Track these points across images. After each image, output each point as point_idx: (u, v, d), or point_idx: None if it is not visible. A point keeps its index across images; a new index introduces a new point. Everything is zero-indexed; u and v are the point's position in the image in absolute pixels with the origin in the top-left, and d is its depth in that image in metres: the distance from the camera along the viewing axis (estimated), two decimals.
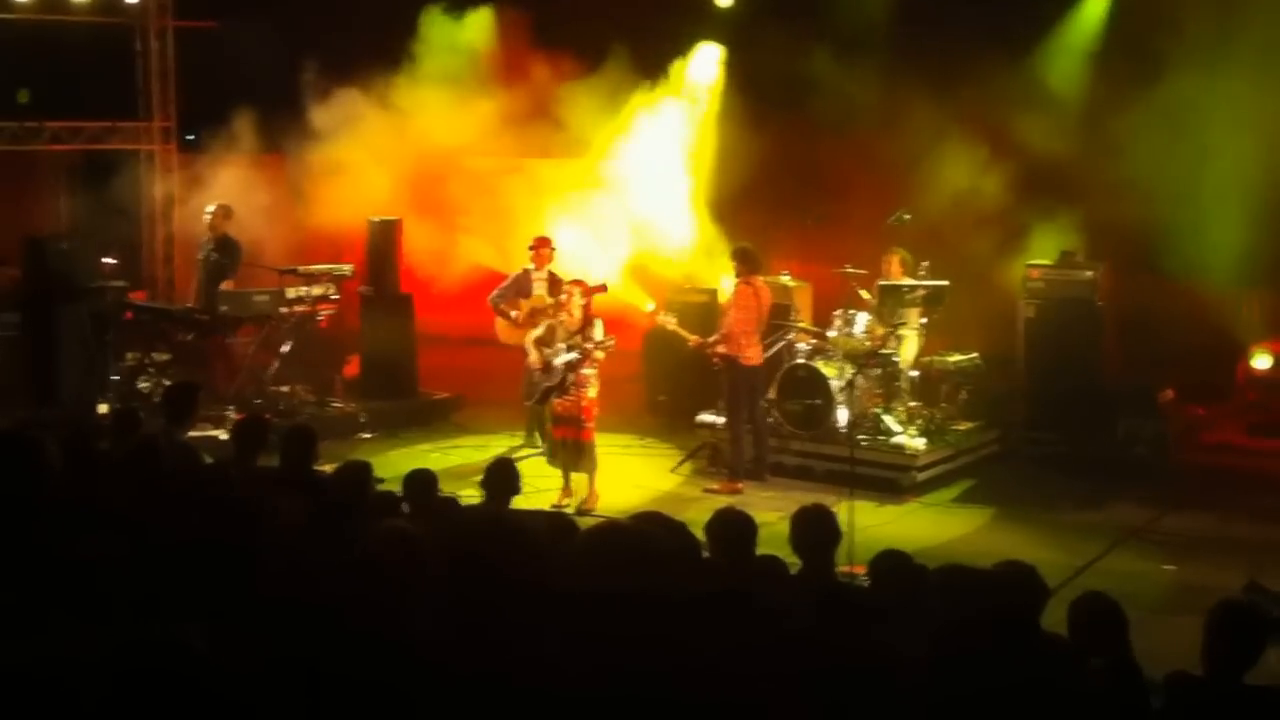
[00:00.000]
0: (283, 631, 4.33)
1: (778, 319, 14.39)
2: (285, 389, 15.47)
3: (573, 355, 12.73)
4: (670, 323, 14.14)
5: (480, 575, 4.34)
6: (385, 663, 4.09)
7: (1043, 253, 15.23)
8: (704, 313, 15.36)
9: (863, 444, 13.59)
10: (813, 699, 4.45)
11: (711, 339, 13.90)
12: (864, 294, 14.65)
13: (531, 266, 14.99)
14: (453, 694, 4.02)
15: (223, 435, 12.86)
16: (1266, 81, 14.32)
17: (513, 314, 14.81)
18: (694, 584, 4.84)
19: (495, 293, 15.07)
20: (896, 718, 4.84)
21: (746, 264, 13.77)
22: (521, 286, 14.89)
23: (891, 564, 6.61)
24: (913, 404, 14.41)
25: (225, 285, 15.51)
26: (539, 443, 14.54)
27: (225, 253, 15.81)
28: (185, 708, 3.50)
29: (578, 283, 13.10)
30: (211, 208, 15.89)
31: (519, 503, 8.96)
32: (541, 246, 14.93)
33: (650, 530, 4.58)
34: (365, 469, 8.20)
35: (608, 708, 3.64)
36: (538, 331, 13.11)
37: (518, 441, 14.52)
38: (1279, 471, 14.30)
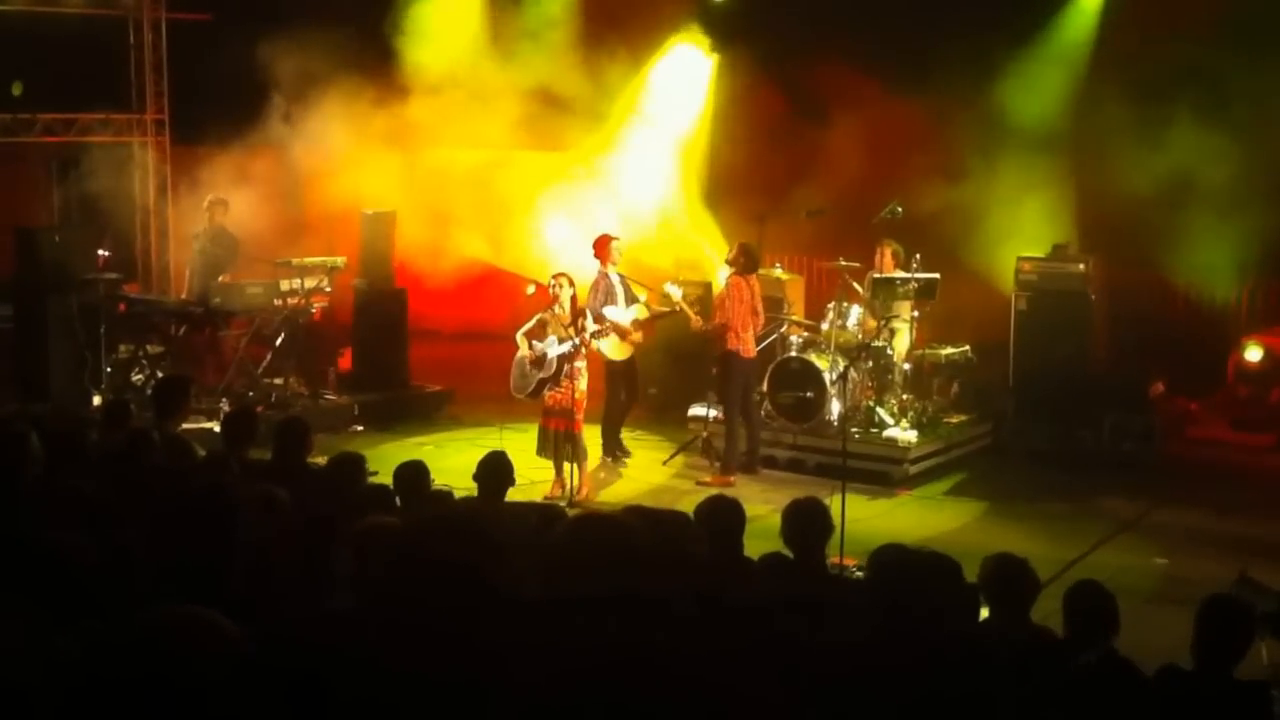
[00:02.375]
0: (259, 631, 4.31)
1: (770, 312, 14.38)
2: (278, 381, 15.46)
3: (566, 347, 12.73)
4: (676, 296, 14.11)
5: (448, 579, 4.32)
6: (354, 668, 4.07)
7: (1035, 245, 15.20)
8: (698, 305, 15.31)
9: (855, 437, 13.62)
10: (785, 701, 4.44)
11: (711, 325, 13.87)
12: (857, 287, 14.65)
13: (603, 269, 14.08)
14: (420, 700, 4.02)
15: (216, 427, 12.83)
16: (1259, 74, 14.32)
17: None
18: (671, 583, 4.83)
19: (589, 306, 13.81)
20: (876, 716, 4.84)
21: (746, 260, 13.76)
22: (608, 292, 14.00)
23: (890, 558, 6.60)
24: (905, 397, 14.41)
25: (222, 279, 15.50)
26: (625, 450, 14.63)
27: (222, 245, 15.79)
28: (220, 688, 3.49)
29: (564, 274, 13.10)
30: (208, 200, 15.87)
31: (511, 495, 8.96)
32: (604, 245, 14.11)
33: (631, 524, 4.56)
34: (358, 461, 8.20)
35: (577, 713, 3.64)
36: (528, 325, 13.08)
37: (509, 434, 14.48)
38: (1267, 466, 14.33)
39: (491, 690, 3.91)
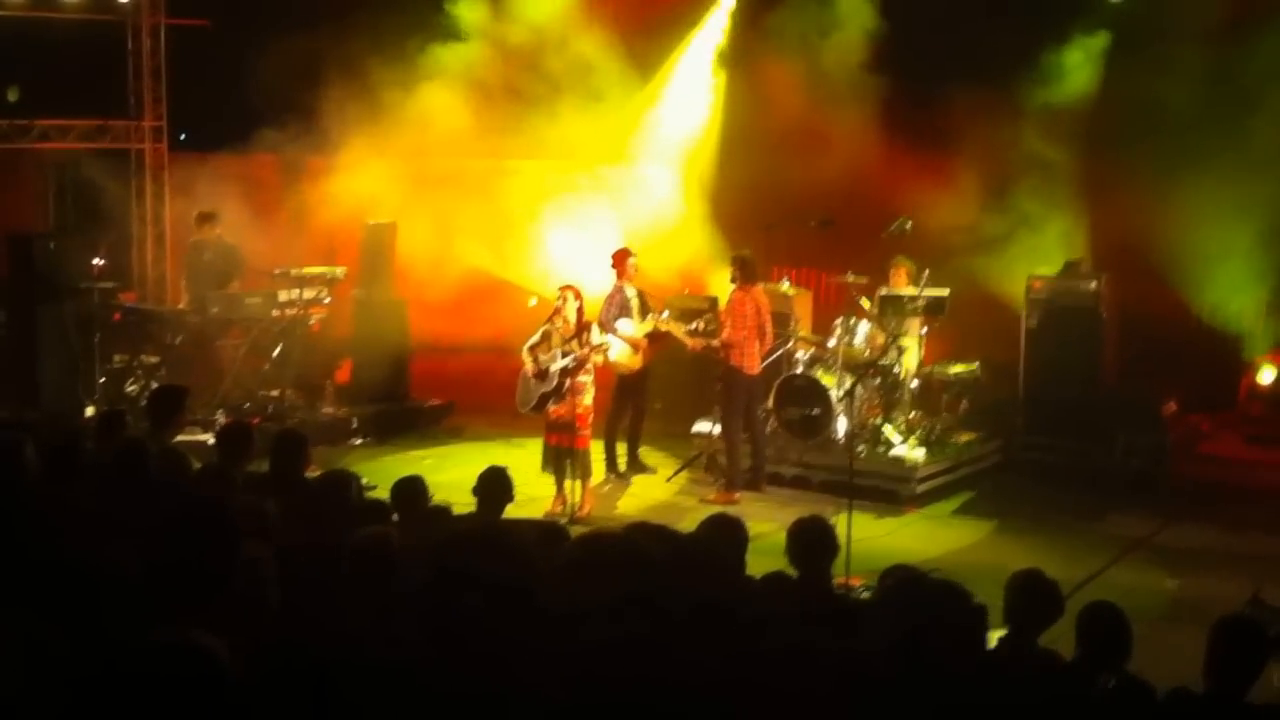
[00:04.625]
0: (258, 643, 4.20)
1: (777, 327, 14.24)
2: (275, 393, 15.32)
3: (568, 360, 12.59)
4: (666, 323, 13.99)
5: (462, 586, 4.21)
6: (363, 677, 3.96)
7: (1047, 262, 15.06)
8: (701, 321, 15.16)
9: (861, 454, 13.49)
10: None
11: (714, 342, 13.77)
12: (865, 302, 14.51)
13: (619, 283, 14.10)
14: (431, 708, 3.91)
15: (211, 439, 12.67)
16: (1274, 90, 14.24)
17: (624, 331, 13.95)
18: (678, 594, 4.72)
19: (601, 319, 13.80)
20: None
21: (744, 272, 13.66)
22: (623, 305, 14.01)
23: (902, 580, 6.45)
24: (913, 414, 14.27)
25: (233, 288, 15.41)
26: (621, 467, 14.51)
27: (222, 257, 15.64)
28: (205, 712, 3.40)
29: (570, 287, 12.94)
30: (198, 214, 15.67)
31: (512, 511, 8.83)
32: (622, 259, 14.14)
33: (638, 539, 4.45)
34: (346, 481, 8.02)
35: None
36: (534, 338, 12.94)
37: (511, 449, 14.28)
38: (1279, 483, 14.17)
39: (513, 701, 3.81)
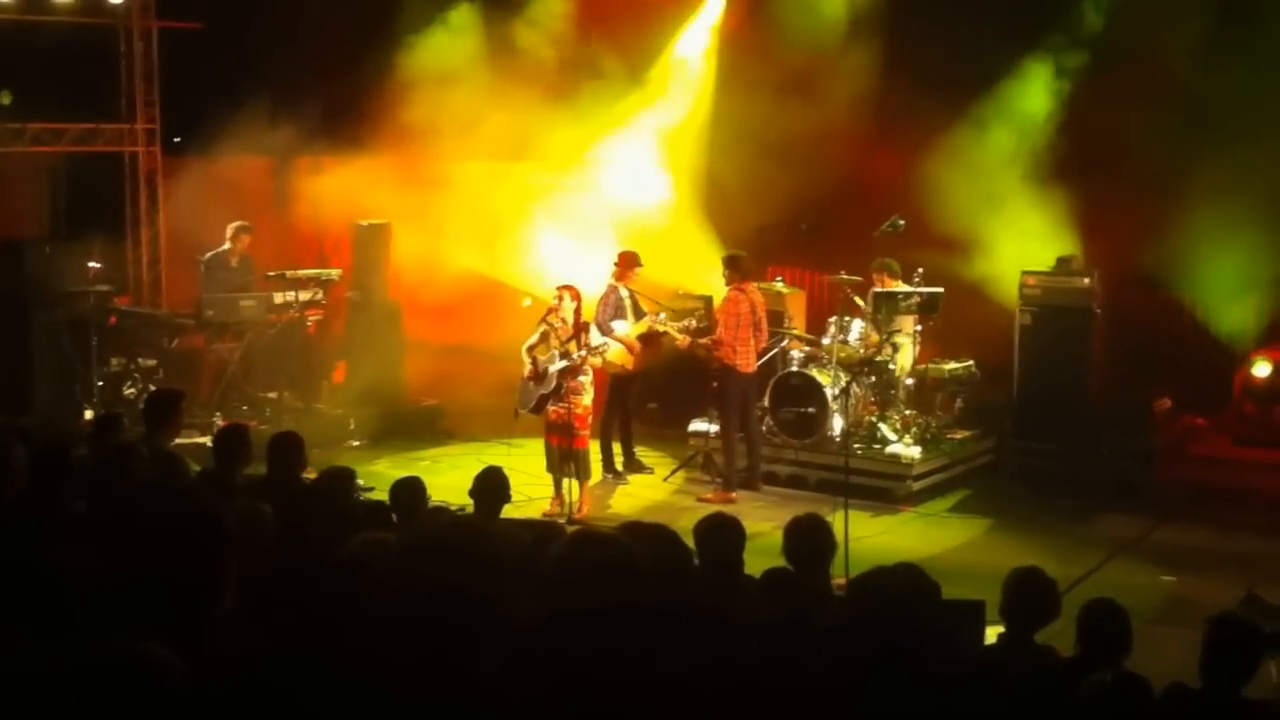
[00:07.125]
0: (246, 649, 4.19)
1: (771, 326, 14.23)
2: (272, 395, 15.30)
3: (566, 362, 12.59)
4: (661, 324, 14.00)
5: (441, 597, 4.20)
6: (344, 688, 3.96)
7: (1040, 259, 15.05)
8: (691, 320, 15.13)
9: (857, 453, 13.49)
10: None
11: (704, 340, 13.80)
12: (859, 301, 14.50)
13: (615, 283, 14.18)
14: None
15: (209, 442, 12.67)
16: (1270, 85, 14.23)
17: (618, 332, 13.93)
18: (670, 600, 4.72)
19: (597, 319, 13.87)
20: None
21: (737, 270, 13.67)
22: (618, 306, 14.06)
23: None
24: (908, 412, 14.26)
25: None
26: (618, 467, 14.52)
27: (249, 273, 15.65)
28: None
29: (568, 288, 12.94)
30: (236, 226, 15.65)
31: (510, 511, 8.83)
32: (628, 261, 14.18)
33: (628, 543, 4.44)
34: (345, 476, 8.03)
35: None
36: (532, 339, 12.94)
37: (507, 449, 14.27)
38: (1273, 483, 14.15)
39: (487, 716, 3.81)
